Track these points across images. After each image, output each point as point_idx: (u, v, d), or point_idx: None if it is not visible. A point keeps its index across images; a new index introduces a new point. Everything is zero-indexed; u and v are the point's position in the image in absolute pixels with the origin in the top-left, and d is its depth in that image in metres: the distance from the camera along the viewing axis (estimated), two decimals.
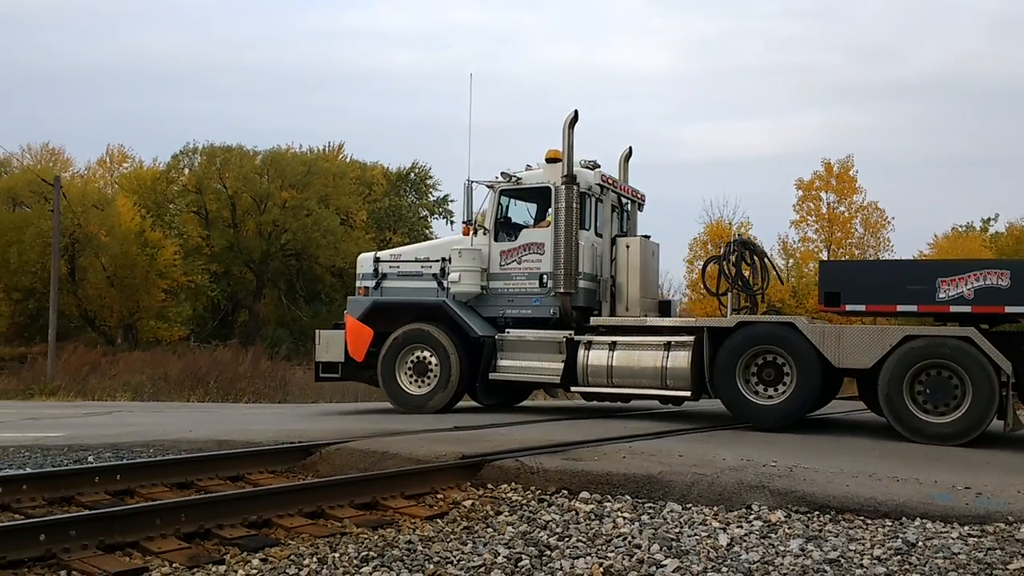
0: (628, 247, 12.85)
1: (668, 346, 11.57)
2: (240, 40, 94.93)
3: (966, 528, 6.24)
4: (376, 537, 5.93)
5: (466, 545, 5.86)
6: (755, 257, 12.84)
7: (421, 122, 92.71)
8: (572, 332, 12.26)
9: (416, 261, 13.47)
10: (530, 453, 8.20)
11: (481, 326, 12.75)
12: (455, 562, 5.46)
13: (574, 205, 12.22)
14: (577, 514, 6.73)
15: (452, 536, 6.08)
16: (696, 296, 45.18)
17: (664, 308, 13.44)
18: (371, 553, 5.51)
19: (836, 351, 10.62)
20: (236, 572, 5.04)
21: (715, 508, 6.88)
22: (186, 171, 46.47)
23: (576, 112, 12.43)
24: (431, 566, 5.32)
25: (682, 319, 12.44)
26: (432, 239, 47.83)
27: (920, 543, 5.89)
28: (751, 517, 6.61)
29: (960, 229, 63.84)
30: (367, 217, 47.46)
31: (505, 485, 7.52)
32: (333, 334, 13.50)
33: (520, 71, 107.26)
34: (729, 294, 12.43)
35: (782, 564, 5.50)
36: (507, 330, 12.73)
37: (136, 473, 7.36)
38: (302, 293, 46.08)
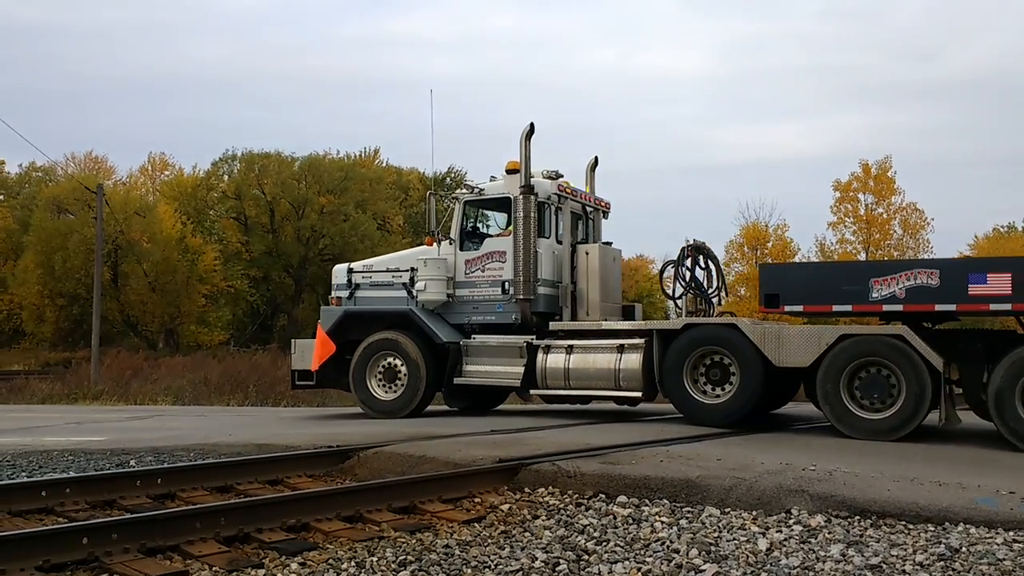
0: (588, 254, 13.20)
1: (621, 349, 12.02)
2: (282, 48, 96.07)
3: (1011, 534, 6.12)
4: (414, 541, 5.96)
5: (503, 550, 5.86)
6: (709, 261, 13.21)
7: (458, 127, 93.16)
8: (533, 337, 12.63)
9: (387, 271, 13.83)
10: (567, 457, 8.19)
11: (447, 333, 13.13)
12: (492, 567, 5.48)
13: (532, 214, 12.58)
14: (615, 518, 6.71)
15: (489, 541, 6.09)
16: (734, 298, 44.83)
17: (628, 312, 13.72)
18: (409, 558, 5.54)
19: (776, 351, 10.98)
20: None
21: (754, 512, 6.82)
22: (225, 178, 47.11)
23: (532, 125, 12.86)
24: (468, 571, 5.34)
25: (634, 322, 12.71)
26: None
27: (964, 549, 5.79)
28: (791, 522, 6.55)
29: (1001, 229, 62.61)
30: (403, 222, 47.75)
31: (542, 489, 7.51)
32: (308, 343, 13.95)
33: (556, 76, 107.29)
34: (684, 297, 12.77)
35: (823, 570, 5.44)
36: (473, 336, 13.09)
37: (177, 477, 7.47)
38: (321, 296, 46.41)
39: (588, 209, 14.14)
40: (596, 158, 14.87)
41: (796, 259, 46.80)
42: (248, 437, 10.18)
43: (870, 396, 10.58)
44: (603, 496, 7.32)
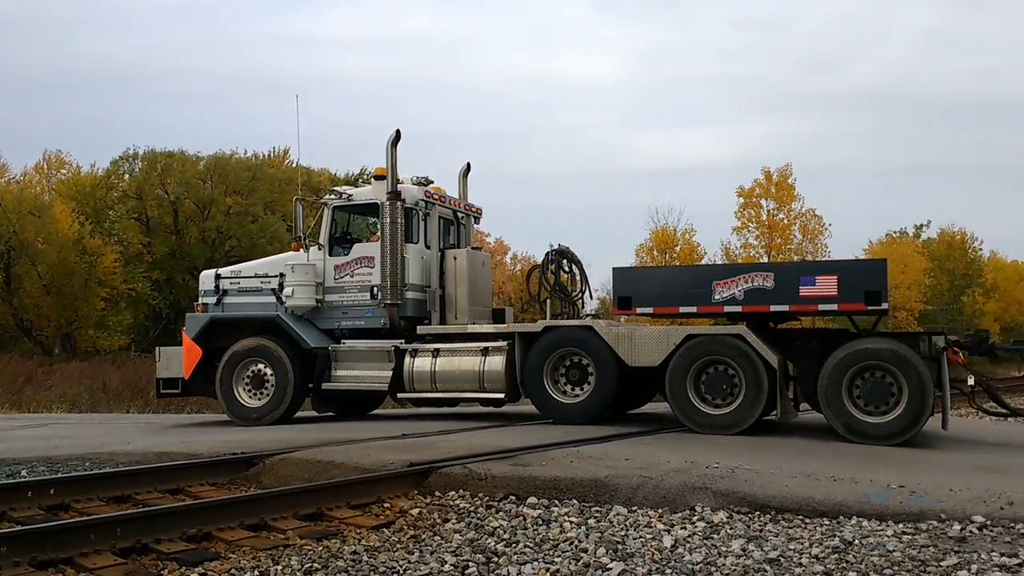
0: (456, 258, 13.41)
1: (486, 351, 12.33)
2: (185, 45, 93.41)
3: (900, 526, 6.40)
4: (320, 548, 5.87)
5: (412, 554, 5.83)
6: (573, 265, 13.59)
7: (370, 129, 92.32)
8: (402, 341, 12.79)
9: (256, 277, 13.76)
10: (478, 460, 8.20)
11: (315, 338, 13.13)
12: (401, 572, 5.44)
13: (399, 220, 12.72)
14: (525, 520, 6.75)
15: (398, 545, 6.05)
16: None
17: (498, 316, 13.88)
18: (315, 565, 5.46)
19: (629, 351, 11.46)
20: None
21: (660, 510, 6.96)
22: (126, 177, 45.46)
23: (398, 132, 13.03)
24: None
25: (498, 325, 12.92)
26: None
27: (857, 541, 6.03)
28: (694, 518, 6.71)
29: (894, 235, 65.55)
30: (315, 223, 46.94)
31: (453, 492, 7.50)
32: (173, 351, 13.80)
33: (471, 79, 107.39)
34: (548, 301, 13.11)
35: (724, 564, 5.59)
36: (342, 341, 13.14)
37: (71, 487, 7.19)
38: None
39: (460, 215, 14.30)
40: (468, 164, 15.11)
41: (703, 262, 48.04)
42: (147, 445, 9.87)
43: (713, 393, 11.08)
44: (513, 498, 7.36)
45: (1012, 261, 71.64)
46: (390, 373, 12.70)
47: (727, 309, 11.23)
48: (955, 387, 11.13)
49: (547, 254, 13.59)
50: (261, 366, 13.16)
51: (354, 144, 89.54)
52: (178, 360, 13.55)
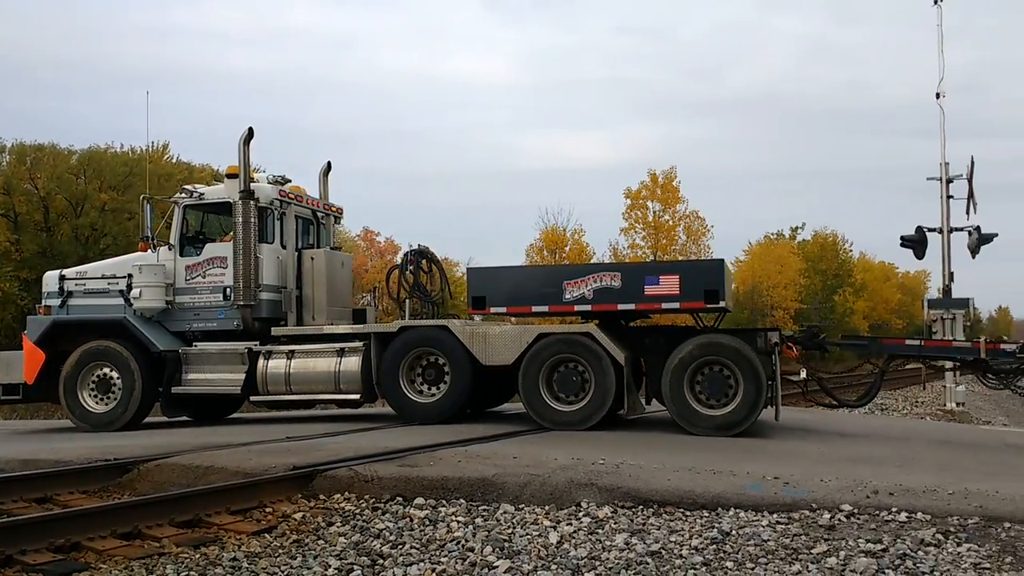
0: (313, 259, 13.26)
1: (342, 352, 12.27)
2: (59, 34, 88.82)
3: (775, 516, 6.66)
4: (198, 556, 5.68)
5: (295, 559, 5.72)
6: (432, 265, 13.74)
7: (256, 124, 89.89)
8: (257, 343, 12.60)
9: (103, 278, 13.32)
10: (364, 461, 8.10)
11: (165, 341, 12.80)
12: None
13: (252, 219, 12.49)
14: (411, 521, 6.70)
15: (280, 551, 5.92)
16: None
17: (359, 316, 13.83)
18: (192, 573, 5.29)
19: (483, 350, 11.64)
20: None
21: (547, 507, 7.03)
22: None
23: (251, 129, 12.84)
24: None
25: (354, 326, 12.87)
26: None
27: (734, 532, 6.24)
28: (580, 514, 6.80)
29: (772, 237, 68.30)
30: None
31: (338, 495, 7.38)
32: (11, 355, 13.30)
33: (361, 77, 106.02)
34: (407, 301, 13.23)
35: (608, 559, 5.69)
36: (194, 344, 12.88)
37: None
38: None
39: (319, 215, 14.15)
40: (329, 163, 14.98)
41: (592, 262, 48.86)
42: (12, 452, 9.33)
43: (565, 390, 11.36)
44: (400, 499, 7.29)
45: (879, 262, 75.75)
46: (243, 376, 12.44)
47: (577, 308, 11.53)
48: (802, 385, 11.99)
49: (405, 254, 13.68)
50: (107, 370, 12.69)
51: (233, 140, 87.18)
52: (19, 365, 12.93)
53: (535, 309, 11.81)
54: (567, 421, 11.18)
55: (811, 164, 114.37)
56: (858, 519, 6.54)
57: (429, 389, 12.02)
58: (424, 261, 13.52)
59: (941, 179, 22.05)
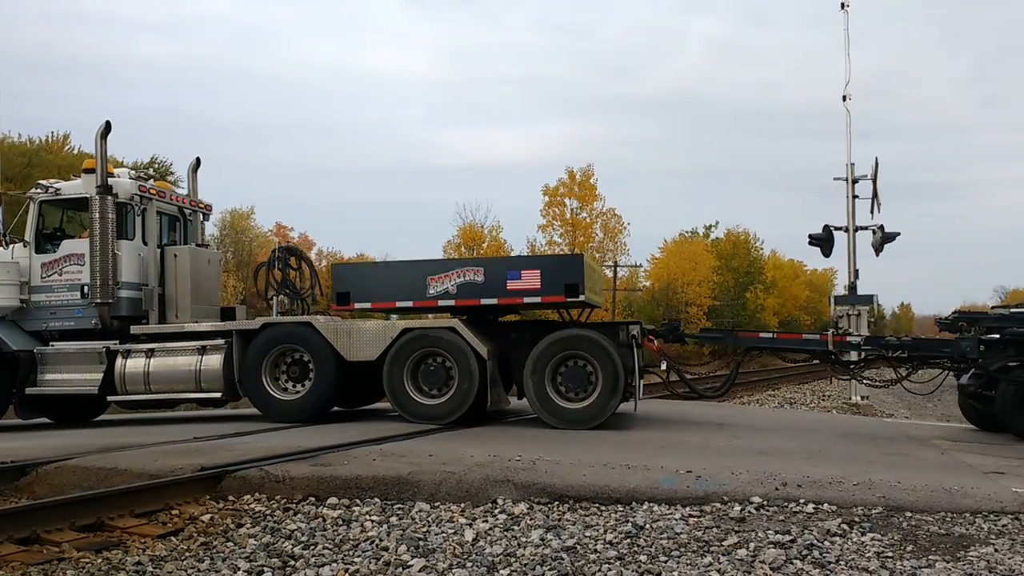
0: (176, 256, 13.01)
1: (203, 350, 12.12)
2: None
3: (688, 509, 6.77)
4: (100, 561, 5.46)
5: (203, 563, 5.55)
6: (302, 262, 13.76)
7: (166, 114, 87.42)
8: (116, 342, 12.33)
9: None
10: (276, 461, 7.92)
11: (19, 340, 12.38)
12: None
13: (110, 215, 12.22)
14: (324, 521, 6.58)
15: (188, 554, 5.73)
16: None
17: (228, 315, 13.56)
18: None
19: (348, 346, 11.66)
20: None
21: (463, 504, 6.99)
22: None
23: (108, 123, 12.59)
24: None
25: (215, 324, 12.70)
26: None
27: (648, 525, 6.31)
28: (496, 511, 6.79)
29: (686, 234, 69.74)
30: None
31: (248, 496, 7.19)
32: None
33: (276, 67, 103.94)
34: (275, 298, 13.15)
35: (523, 555, 5.68)
36: (51, 343, 12.50)
37: None
38: None
39: (186, 211, 13.87)
40: (198, 159, 14.72)
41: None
42: None
43: (430, 384, 11.48)
44: (313, 499, 7.15)
45: (789, 260, 78.14)
46: (101, 375, 12.13)
47: (441, 303, 11.64)
48: (664, 376, 12.47)
49: (273, 252, 13.62)
50: None
51: (147, 131, 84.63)
52: None
53: (399, 304, 11.85)
54: (432, 415, 11.28)
55: (725, 163, 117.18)
56: (767, 511, 6.70)
57: (294, 386, 11.94)
58: (293, 259, 13.45)
59: (847, 179, 22.79)
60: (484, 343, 11.29)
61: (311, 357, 11.78)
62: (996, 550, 5.67)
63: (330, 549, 5.91)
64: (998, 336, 11.13)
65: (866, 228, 22.11)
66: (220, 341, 12.04)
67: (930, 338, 12.82)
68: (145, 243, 12.82)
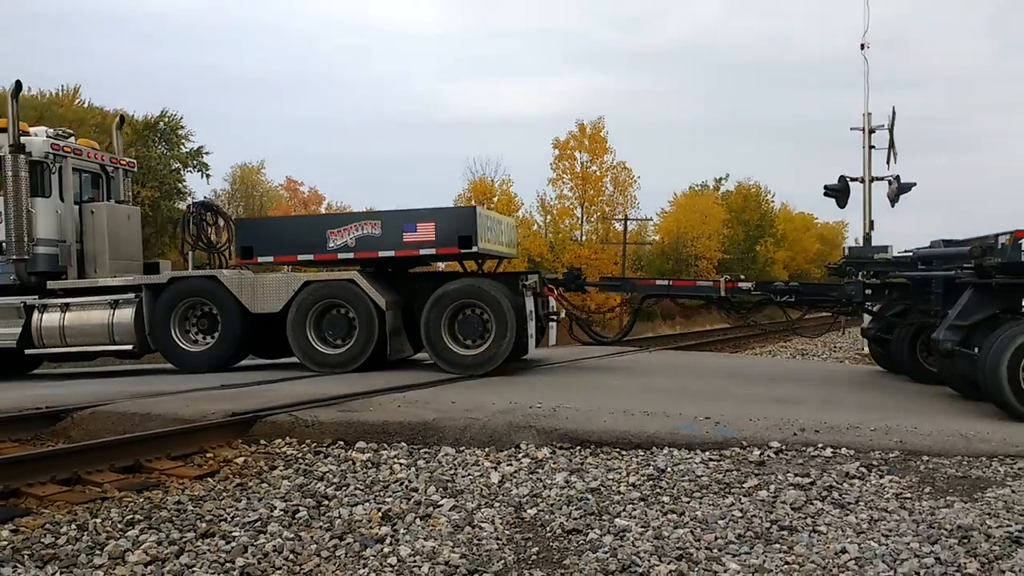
0: (93, 212, 13.25)
1: (115, 304, 12.52)
2: None
3: (707, 454, 6.92)
4: (142, 500, 5.65)
5: (240, 502, 5.73)
6: (219, 218, 14.07)
7: (174, 68, 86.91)
8: (36, 297, 12.63)
9: None
10: (304, 407, 8.10)
11: None
12: (229, 519, 5.34)
13: (23, 173, 12.43)
14: (354, 464, 6.76)
15: (225, 494, 5.92)
16: None
17: (152, 270, 13.83)
18: (137, 516, 5.25)
19: (252, 298, 12.10)
20: None
21: (487, 449, 7.16)
22: None
23: (19, 82, 12.99)
24: (203, 524, 5.16)
25: (126, 278, 12.92)
26: (185, 192, 44.89)
27: (669, 469, 6.47)
28: (520, 455, 6.95)
29: (697, 188, 69.39)
30: None
31: (279, 440, 7.39)
32: None
33: (288, 22, 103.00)
34: (191, 253, 13.58)
35: (549, 496, 5.85)
36: None
37: None
38: None
39: (108, 169, 14.10)
40: (122, 117, 15.16)
41: (520, 213, 48.97)
42: None
43: (333, 334, 11.87)
44: (342, 443, 7.34)
45: (799, 213, 77.69)
46: (19, 330, 12.50)
47: (340, 256, 11.96)
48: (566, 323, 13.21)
49: (188, 207, 14.07)
50: None
51: (155, 84, 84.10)
52: None
53: (301, 258, 12.22)
54: (333, 363, 11.71)
55: (736, 116, 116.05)
56: (786, 455, 6.85)
57: (204, 339, 12.37)
58: (210, 214, 13.81)
59: (863, 129, 22.66)
60: (384, 294, 11.71)
61: (218, 310, 12.21)
62: (1013, 491, 5.81)
63: (361, 490, 6.09)
64: (880, 281, 11.55)
65: (882, 179, 22.04)
66: (131, 295, 12.44)
67: (817, 283, 13.36)
68: (62, 200, 13.02)
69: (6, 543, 4.69)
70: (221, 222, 13.87)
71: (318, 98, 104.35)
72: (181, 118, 47.23)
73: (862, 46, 23.21)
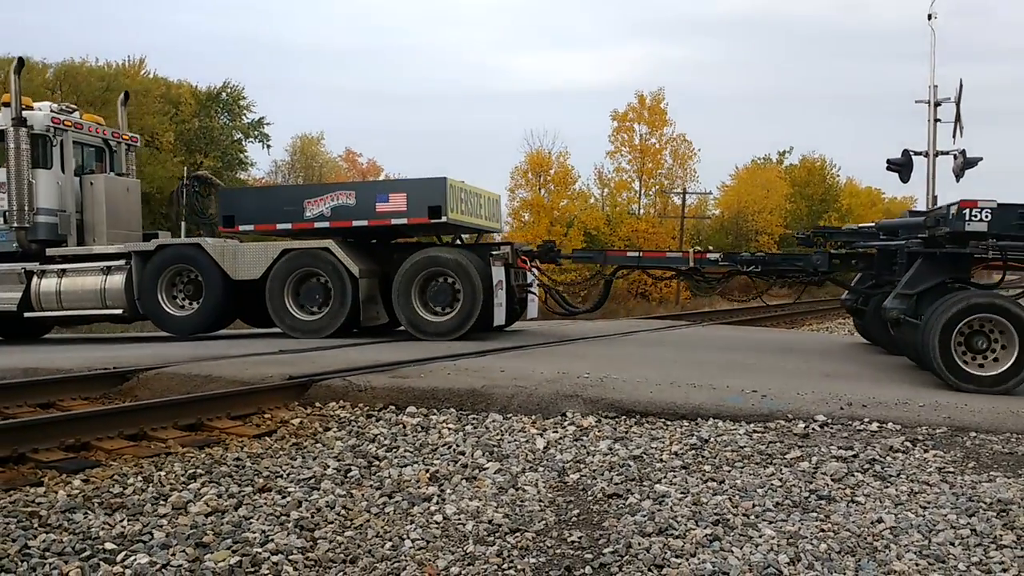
0: (92, 184, 13.81)
1: (108, 270, 13.13)
2: None
3: (752, 426, 6.98)
4: (203, 456, 5.94)
5: (295, 460, 5.98)
6: (212, 190, 14.71)
7: (235, 39, 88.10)
8: (37, 264, 13.23)
9: None
10: (357, 372, 8.35)
11: None
12: (284, 476, 5.58)
13: (24, 146, 12.97)
14: (404, 427, 6.98)
15: (281, 452, 6.18)
16: (518, 224, 46.14)
17: (150, 240, 13.97)
18: (199, 470, 5.54)
19: (233, 266, 12.62)
20: (56, 493, 4.94)
21: (533, 417, 7.32)
22: None
23: (21, 59, 13.72)
24: (260, 480, 5.41)
25: (118, 246, 13.37)
26: (247, 162, 45.60)
27: (712, 439, 6.55)
28: (565, 423, 7.10)
29: (759, 161, 68.26)
30: (175, 139, 44.94)
31: (333, 403, 7.65)
32: None
33: None
34: (184, 222, 14.39)
35: (592, 462, 5.99)
36: None
37: None
38: None
39: (111, 143, 14.65)
40: (126, 93, 15.93)
41: (577, 186, 48.81)
42: (11, 362, 9.52)
43: (309, 300, 12.41)
44: (393, 408, 7.57)
45: (866, 187, 75.85)
46: (19, 294, 13.12)
47: (317, 225, 12.39)
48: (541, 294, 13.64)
49: (181, 179, 14.57)
50: None
51: (218, 55, 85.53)
52: None
53: (279, 227, 12.70)
54: (308, 328, 12.24)
55: (800, 87, 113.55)
56: (831, 428, 6.88)
57: (190, 304, 12.95)
58: (203, 186, 14.47)
59: (929, 102, 22.11)
60: (359, 262, 12.11)
61: (202, 277, 12.74)
62: None
63: (411, 452, 6.30)
64: (846, 251, 11.73)
65: (947, 153, 21.50)
66: (122, 262, 13.02)
67: (783, 253, 13.39)
68: (63, 172, 13.59)
69: (78, 492, 5.01)
70: (214, 195, 14.53)
71: (378, 69, 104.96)
72: (243, 89, 48.03)
73: (929, 16, 22.59)
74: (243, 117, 48.34)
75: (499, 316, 12.28)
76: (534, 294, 13.81)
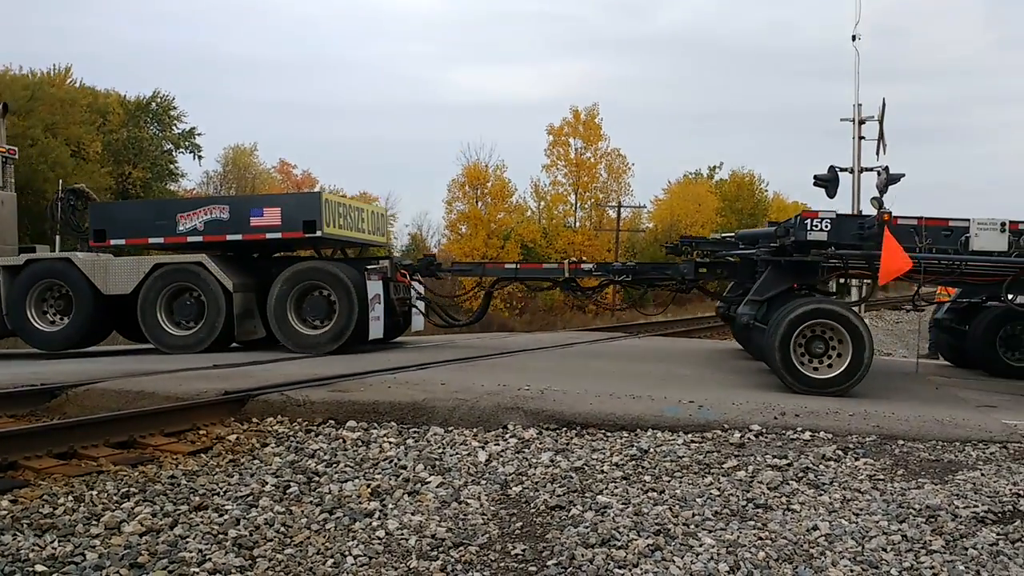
0: None
1: None
2: None
3: (690, 436, 7.09)
4: (136, 474, 5.79)
5: (232, 477, 5.86)
6: (89, 202, 14.43)
7: (165, 50, 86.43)
8: None
9: None
10: (295, 387, 8.24)
11: None
12: (221, 493, 5.47)
13: None
14: (344, 442, 6.90)
15: (218, 469, 6.06)
16: (455, 236, 46.14)
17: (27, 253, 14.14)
18: (132, 489, 5.39)
19: (104, 281, 12.48)
20: None
21: (475, 429, 7.31)
22: None
23: None
24: (197, 498, 5.30)
25: None
26: (177, 173, 44.65)
27: (652, 450, 6.64)
28: (507, 436, 7.11)
29: (691, 176, 69.56)
30: (102, 149, 43.80)
31: (271, 419, 7.52)
32: None
33: (282, 3, 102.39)
34: (57, 236, 14.00)
35: (534, 474, 6.01)
36: None
37: None
38: (28, 231, 41.67)
39: None
40: (5, 105, 15.29)
41: (513, 199, 49.03)
42: None
43: (184, 316, 12.36)
44: (333, 422, 7.48)
45: (793, 202, 77.66)
46: None
47: (190, 239, 12.37)
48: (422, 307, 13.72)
49: (57, 192, 14.36)
50: None
51: (147, 66, 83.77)
52: None
53: (151, 241, 12.68)
54: (183, 344, 12.15)
55: (730, 104, 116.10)
56: (766, 438, 7.03)
57: (61, 319, 12.74)
58: (79, 200, 14.17)
59: (854, 120, 22.77)
60: (233, 277, 12.04)
61: (72, 291, 12.54)
62: (983, 474, 5.99)
63: (351, 467, 6.23)
64: (712, 260, 12.19)
65: (871, 169, 22.14)
66: None
67: (653, 262, 13.98)
68: None
69: (6, 512, 4.83)
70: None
71: (314, 82, 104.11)
72: (173, 99, 47.16)
73: (853, 37, 23.30)
74: (174, 128, 47.40)
75: (375, 330, 12.27)
76: (418, 308, 13.77)
